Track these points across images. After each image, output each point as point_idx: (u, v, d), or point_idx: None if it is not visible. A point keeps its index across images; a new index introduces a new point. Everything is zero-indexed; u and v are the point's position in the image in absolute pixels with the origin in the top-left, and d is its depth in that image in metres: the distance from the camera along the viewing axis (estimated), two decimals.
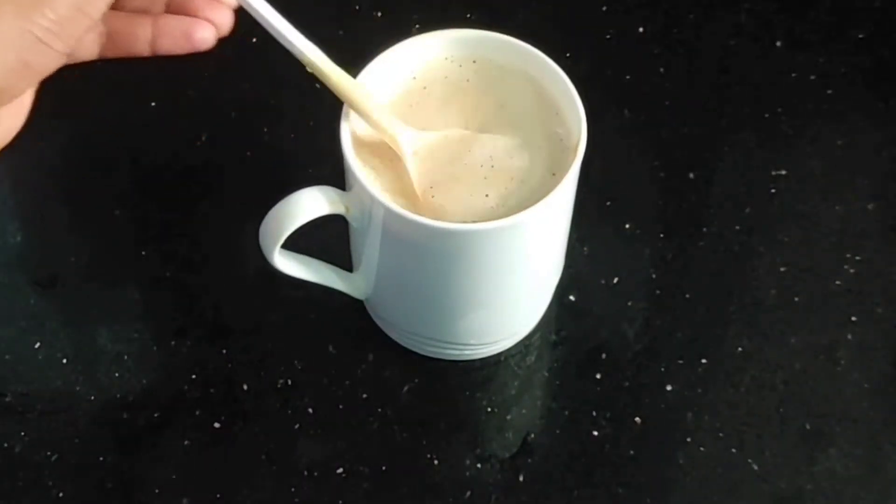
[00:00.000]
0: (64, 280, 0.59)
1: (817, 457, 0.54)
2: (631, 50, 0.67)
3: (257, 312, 0.58)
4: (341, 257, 0.55)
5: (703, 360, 0.56)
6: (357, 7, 0.68)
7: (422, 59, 0.51)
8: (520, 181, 0.48)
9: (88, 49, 0.44)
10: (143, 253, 0.59)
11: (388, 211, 0.46)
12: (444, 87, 0.50)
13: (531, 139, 0.49)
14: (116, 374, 0.56)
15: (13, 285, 0.59)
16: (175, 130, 0.63)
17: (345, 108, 0.48)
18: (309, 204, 0.48)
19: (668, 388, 0.56)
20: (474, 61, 0.51)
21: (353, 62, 0.49)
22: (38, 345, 0.57)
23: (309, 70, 0.46)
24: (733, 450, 0.54)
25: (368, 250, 0.51)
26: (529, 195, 0.47)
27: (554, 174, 0.48)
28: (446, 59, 0.51)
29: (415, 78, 0.51)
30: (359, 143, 0.49)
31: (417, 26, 0.65)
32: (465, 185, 0.48)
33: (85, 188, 0.62)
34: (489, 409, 0.56)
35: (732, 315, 0.58)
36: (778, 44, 0.67)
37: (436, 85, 0.50)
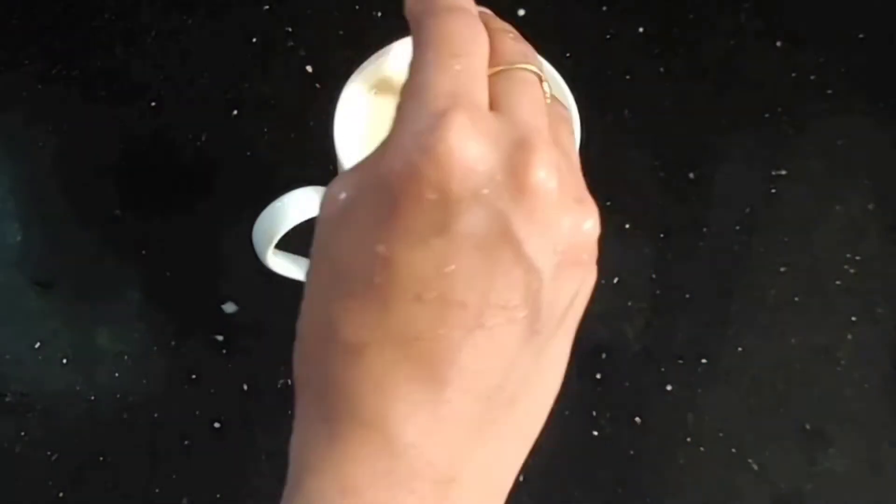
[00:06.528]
0: (64, 280, 0.59)
1: (817, 457, 0.54)
2: (631, 50, 0.67)
3: (257, 312, 0.58)
4: None
5: (703, 360, 0.56)
6: (357, 7, 0.68)
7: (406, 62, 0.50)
8: None
9: None
10: (143, 253, 0.59)
11: None
12: None
13: None
14: (116, 374, 0.56)
15: (13, 285, 0.59)
16: (175, 130, 0.63)
17: (339, 107, 0.48)
18: (302, 204, 0.48)
19: (668, 388, 0.56)
20: None
21: (352, 62, 0.49)
22: (38, 345, 0.57)
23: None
24: (733, 450, 0.54)
25: None
26: None
27: None
28: None
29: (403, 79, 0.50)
30: (353, 142, 0.48)
31: None
32: None
33: (85, 188, 0.62)
34: None
35: (732, 315, 0.58)
36: (778, 44, 0.67)
37: None
